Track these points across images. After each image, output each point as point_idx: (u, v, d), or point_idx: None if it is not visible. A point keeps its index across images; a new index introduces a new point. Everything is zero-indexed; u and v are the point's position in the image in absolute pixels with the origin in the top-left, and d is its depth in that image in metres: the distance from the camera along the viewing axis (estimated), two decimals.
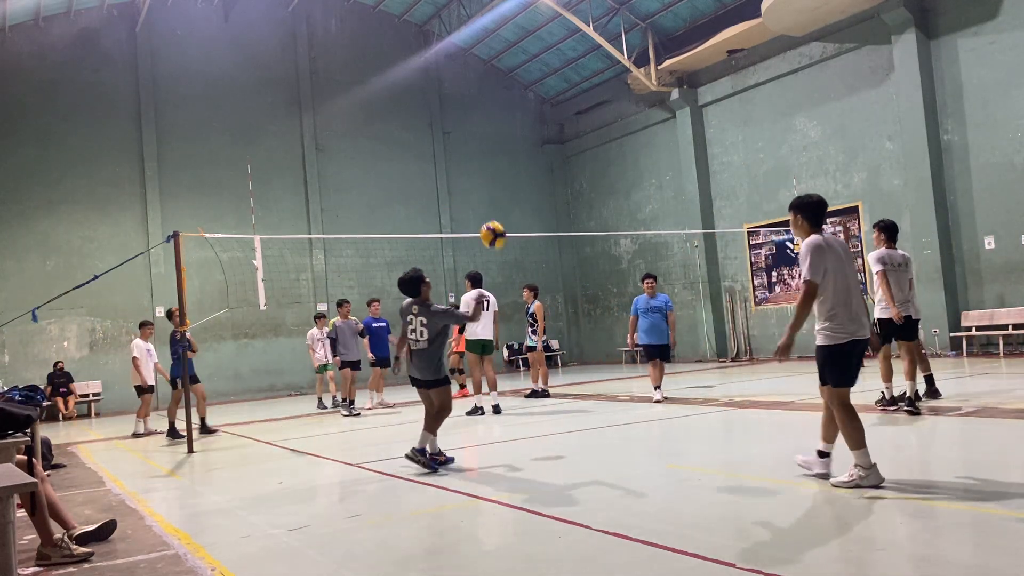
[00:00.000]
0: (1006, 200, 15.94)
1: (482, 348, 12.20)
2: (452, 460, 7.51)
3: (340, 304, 14.84)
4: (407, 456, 7.36)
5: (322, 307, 22.46)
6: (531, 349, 14.35)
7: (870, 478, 5.33)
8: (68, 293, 13.11)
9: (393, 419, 12.84)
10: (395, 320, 14.04)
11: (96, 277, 12.19)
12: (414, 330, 7.55)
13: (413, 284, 7.65)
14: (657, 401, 11.85)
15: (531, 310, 14.18)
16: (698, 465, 6.81)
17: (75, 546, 5.13)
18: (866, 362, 6.32)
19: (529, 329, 14.30)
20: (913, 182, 17.16)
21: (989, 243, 16.27)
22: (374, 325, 14.98)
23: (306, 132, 23.30)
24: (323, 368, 16.02)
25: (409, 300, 7.71)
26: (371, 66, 24.38)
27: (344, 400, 14.18)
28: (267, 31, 23.22)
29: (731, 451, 7.69)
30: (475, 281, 12.01)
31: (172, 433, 12.22)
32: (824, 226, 5.82)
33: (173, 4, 22.03)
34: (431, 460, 7.28)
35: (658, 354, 12.25)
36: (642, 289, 12.45)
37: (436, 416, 7.48)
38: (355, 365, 14.35)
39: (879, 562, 3.87)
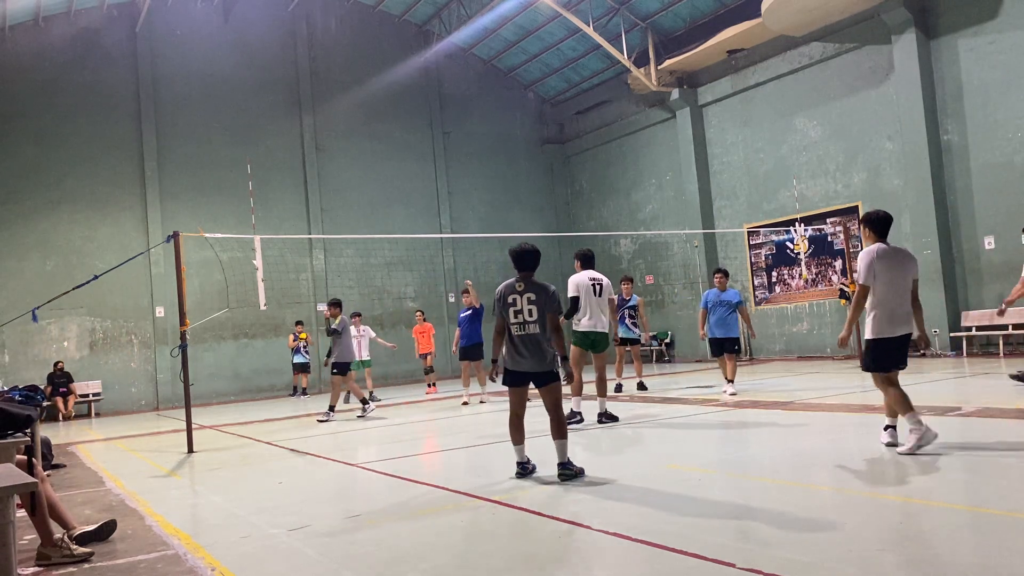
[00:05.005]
0: (1006, 200, 15.94)
1: (592, 343, 9.79)
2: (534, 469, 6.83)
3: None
4: (561, 477, 6.39)
5: (322, 307, 22.49)
6: (635, 342, 14.22)
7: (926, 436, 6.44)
8: (68, 293, 13.10)
9: (393, 419, 12.85)
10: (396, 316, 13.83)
11: (96, 277, 12.18)
12: (519, 311, 6.57)
13: (531, 256, 6.73)
14: (732, 394, 11.84)
15: (633, 302, 14.14)
16: (698, 465, 6.81)
17: (75, 546, 5.13)
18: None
19: (629, 322, 14.04)
20: (913, 182, 17.16)
21: (989, 243, 16.27)
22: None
23: (306, 132, 23.30)
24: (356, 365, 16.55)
25: (511, 280, 6.75)
26: (371, 66, 24.38)
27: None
28: (267, 31, 23.22)
29: (731, 451, 7.69)
30: (586, 261, 9.89)
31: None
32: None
33: (173, 4, 22.03)
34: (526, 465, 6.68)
35: (723, 348, 12.23)
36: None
37: (557, 418, 6.58)
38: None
39: (880, 562, 3.87)
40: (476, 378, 14.47)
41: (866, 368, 6.88)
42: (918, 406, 9.00)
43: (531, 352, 6.55)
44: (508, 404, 6.85)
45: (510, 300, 6.63)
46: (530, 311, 6.55)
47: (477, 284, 24.15)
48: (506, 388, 6.82)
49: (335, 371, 13.45)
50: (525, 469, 6.73)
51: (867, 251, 6.67)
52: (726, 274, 12.62)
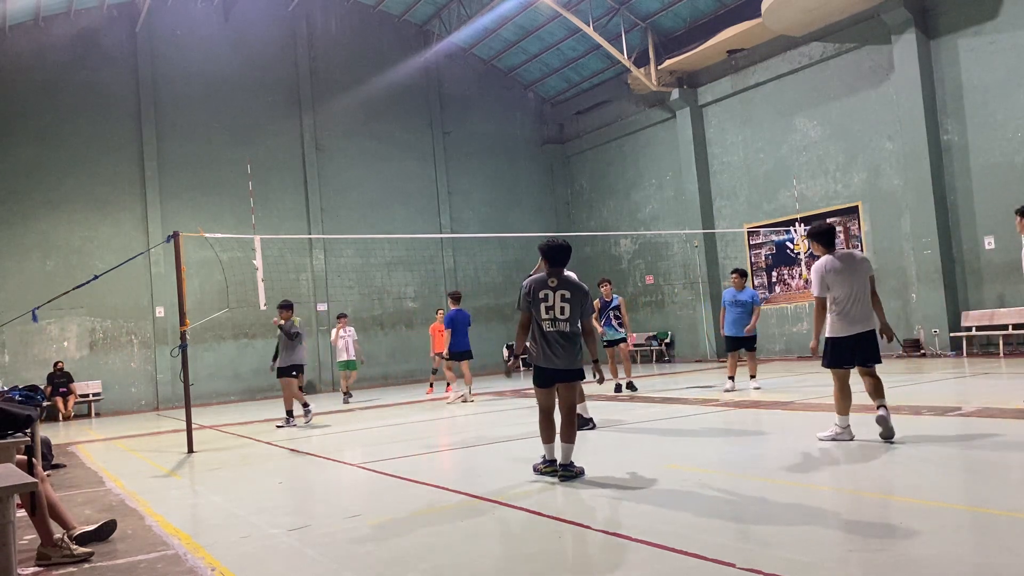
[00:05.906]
0: (1006, 200, 15.90)
1: None
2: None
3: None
4: (562, 479, 6.38)
5: (322, 307, 22.51)
6: (620, 342, 14.14)
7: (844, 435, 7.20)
8: (68, 293, 13.10)
9: (392, 419, 12.85)
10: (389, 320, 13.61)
11: (96, 277, 12.17)
12: (551, 307, 6.49)
13: (565, 252, 6.67)
14: (727, 391, 12.63)
15: (615, 303, 14.12)
16: (698, 465, 6.81)
17: (75, 546, 5.13)
18: None
19: (616, 322, 14.02)
20: (913, 182, 17.16)
21: (989, 243, 16.26)
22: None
23: (306, 132, 23.29)
24: (344, 365, 17.42)
25: (541, 274, 6.69)
26: (371, 66, 24.38)
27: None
28: (267, 31, 23.22)
29: (731, 451, 7.69)
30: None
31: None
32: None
33: (173, 4, 22.02)
34: (573, 468, 6.51)
35: (736, 346, 12.96)
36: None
37: (570, 419, 6.56)
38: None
39: (879, 562, 3.87)
40: (463, 378, 14.90)
41: (824, 364, 7.35)
42: (919, 406, 9.04)
43: (564, 350, 6.50)
44: (537, 402, 6.79)
45: (541, 295, 6.51)
46: (562, 308, 6.48)
47: (477, 284, 24.22)
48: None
49: (294, 374, 12.72)
50: (552, 465, 6.63)
51: (817, 265, 7.15)
52: (743, 274, 13.15)
